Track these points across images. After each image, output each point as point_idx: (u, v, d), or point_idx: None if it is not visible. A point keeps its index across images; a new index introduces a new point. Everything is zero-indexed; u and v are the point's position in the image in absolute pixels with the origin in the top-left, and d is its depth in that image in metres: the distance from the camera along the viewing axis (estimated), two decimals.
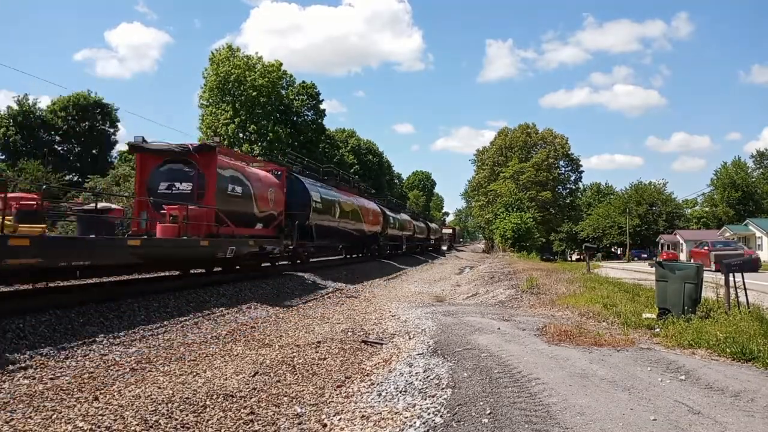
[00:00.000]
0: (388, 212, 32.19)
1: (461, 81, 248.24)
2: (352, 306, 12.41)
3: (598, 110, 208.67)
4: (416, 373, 5.57)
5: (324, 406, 5.01)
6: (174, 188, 12.06)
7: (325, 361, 6.71)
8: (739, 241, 44.09)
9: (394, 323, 9.35)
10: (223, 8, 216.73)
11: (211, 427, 4.42)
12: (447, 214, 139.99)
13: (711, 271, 17.74)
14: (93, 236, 8.98)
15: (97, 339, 7.26)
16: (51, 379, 5.59)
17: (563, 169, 79.19)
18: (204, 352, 7.10)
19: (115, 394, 5.16)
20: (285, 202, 16.23)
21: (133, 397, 5.06)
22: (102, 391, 5.22)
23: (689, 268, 8.29)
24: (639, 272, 25.11)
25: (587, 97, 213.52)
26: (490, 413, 4.10)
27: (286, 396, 5.29)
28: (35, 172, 34.20)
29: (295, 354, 7.05)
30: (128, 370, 6.10)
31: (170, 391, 5.24)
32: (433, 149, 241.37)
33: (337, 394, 5.35)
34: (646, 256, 60.45)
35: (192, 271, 13.53)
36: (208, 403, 4.93)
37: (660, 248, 62.17)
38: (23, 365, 5.90)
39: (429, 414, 4.29)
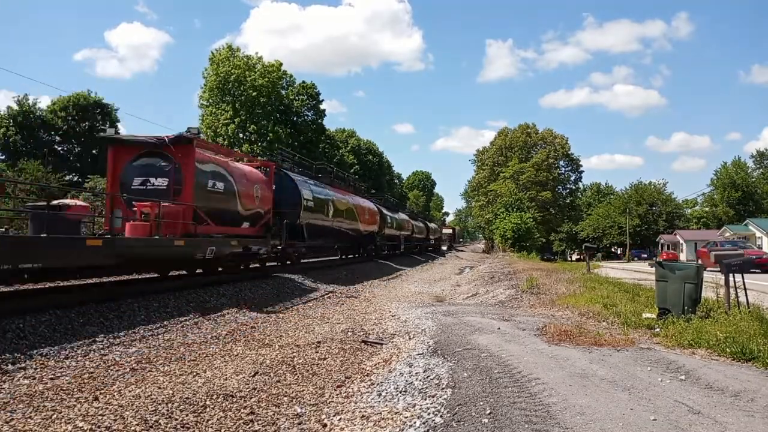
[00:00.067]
0: (385, 211, 31.87)
1: (461, 81, 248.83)
2: (352, 306, 12.41)
3: (598, 110, 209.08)
4: (416, 373, 5.57)
5: (324, 406, 5.01)
6: (149, 184, 11.25)
7: (325, 361, 6.71)
8: (748, 241, 43.89)
9: (394, 323, 9.35)
10: (223, 8, 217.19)
11: (211, 427, 4.42)
12: (447, 214, 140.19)
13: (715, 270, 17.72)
14: (44, 236, 8.05)
15: (97, 339, 7.26)
16: (51, 379, 5.59)
17: (563, 169, 79.33)
18: (204, 352, 7.10)
19: (115, 394, 5.16)
20: (273, 199, 15.49)
21: (133, 397, 5.05)
22: (102, 391, 5.22)
23: (689, 268, 8.29)
24: (639, 272, 25.11)
25: (587, 97, 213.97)
26: (490, 413, 4.10)
27: (286, 396, 5.29)
28: (35, 172, 34.16)
29: (295, 354, 7.05)
30: (128, 370, 6.09)
31: (170, 391, 5.24)
32: (433, 149, 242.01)
33: (337, 394, 5.35)
34: (646, 256, 60.51)
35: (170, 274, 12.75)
36: (208, 403, 4.93)
37: (660, 248, 62.19)
38: (23, 365, 5.90)
39: (429, 414, 4.29)
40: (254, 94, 48.06)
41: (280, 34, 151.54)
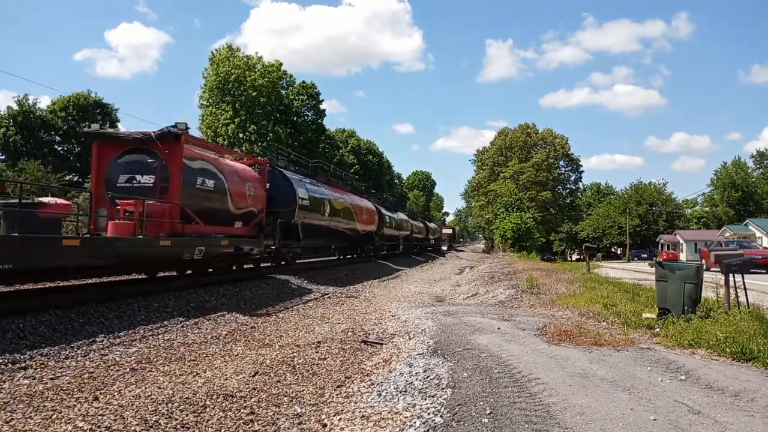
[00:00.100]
0: (383, 211, 31.57)
1: (461, 81, 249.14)
2: (351, 306, 12.41)
3: (598, 110, 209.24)
4: (416, 373, 5.57)
5: (324, 406, 5.01)
6: (135, 181, 10.79)
7: (325, 361, 6.71)
8: (753, 241, 43.76)
9: (394, 323, 9.34)
10: (223, 8, 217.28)
11: (211, 427, 4.42)
12: (447, 214, 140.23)
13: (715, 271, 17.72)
14: (15, 235, 7.74)
15: (97, 339, 7.26)
16: (51, 379, 5.59)
17: (563, 169, 79.34)
18: (204, 352, 7.10)
19: (115, 394, 5.16)
20: (267, 198, 15.04)
21: (133, 397, 5.06)
22: (102, 391, 5.22)
23: (689, 268, 8.29)
24: (639, 272, 25.10)
25: (587, 97, 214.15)
26: (490, 413, 4.10)
27: (286, 396, 5.29)
28: (35, 172, 34.15)
29: (295, 354, 7.05)
30: (128, 370, 6.10)
31: (170, 391, 5.24)
32: (433, 149, 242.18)
33: (337, 394, 5.35)
34: (646, 256, 60.52)
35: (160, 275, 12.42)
36: (208, 403, 4.93)
37: (660, 248, 62.20)
38: (23, 365, 5.90)
39: (429, 414, 4.29)
40: (254, 94, 48.09)
41: (280, 34, 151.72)
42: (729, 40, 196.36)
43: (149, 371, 6.08)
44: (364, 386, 5.51)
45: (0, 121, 47.88)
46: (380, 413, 4.54)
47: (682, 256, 54.35)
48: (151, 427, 4.33)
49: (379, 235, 29.84)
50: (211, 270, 13.28)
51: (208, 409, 4.78)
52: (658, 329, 7.62)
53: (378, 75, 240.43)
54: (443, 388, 4.88)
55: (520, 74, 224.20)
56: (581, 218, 79.29)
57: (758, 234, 49.26)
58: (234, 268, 14.41)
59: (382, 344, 7.63)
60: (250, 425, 4.49)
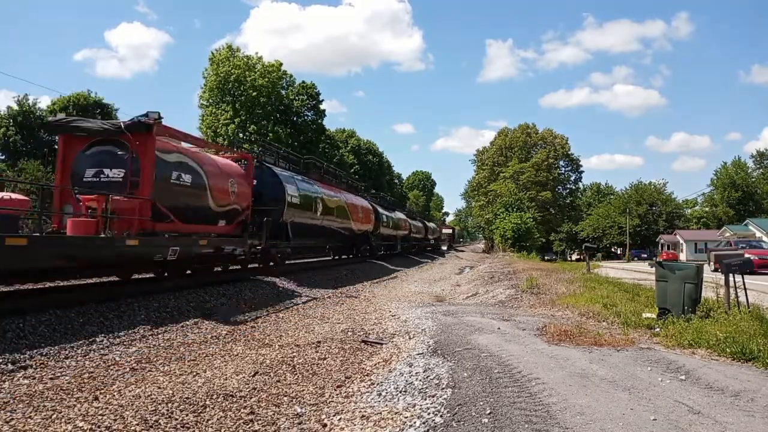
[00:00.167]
0: (380, 210, 30.99)
1: (461, 81, 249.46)
2: (351, 306, 12.40)
3: (598, 110, 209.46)
4: (416, 373, 5.57)
5: (324, 406, 5.01)
6: (102, 176, 9.91)
7: (325, 361, 6.71)
8: (760, 240, 43.55)
9: (394, 323, 9.34)
10: (223, 8, 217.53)
11: (211, 427, 4.42)
12: (447, 214, 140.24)
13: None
14: None
15: (97, 339, 7.26)
16: (51, 378, 5.59)
17: (563, 169, 79.38)
18: (204, 352, 7.11)
19: (115, 393, 5.16)
20: (253, 195, 14.22)
21: (133, 396, 5.06)
22: (102, 391, 5.22)
23: (689, 268, 8.29)
24: (639, 272, 25.10)
25: (587, 97, 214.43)
26: (490, 413, 4.10)
27: (286, 396, 5.29)
28: (35, 172, 34.17)
29: (295, 354, 7.05)
30: (128, 369, 6.10)
31: (170, 391, 5.24)
32: (433, 149, 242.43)
33: (337, 394, 5.35)
34: (646, 256, 60.50)
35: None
36: (208, 402, 4.93)
37: (660, 248, 62.21)
38: (23, 365, 5.90)
39: (429, 414, 4.29)
40: (254, 94, 48.09)
41: (280, 34, 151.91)
42: (729, 40, 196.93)
43: (149, 371, 6.08)
44: (364, 386, 5.51)
45: (0, 121, 47.89)
46: (380, 413, 4.54)
47: (682, 256, 54.40)
48: (151, 426, 4.33)
49: (375, 234, 29.27)
50: (189, 272, 12.51)
51: (208, 409, 4.78)
52: (658, 329, 7.62)
53: (378, 75, 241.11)
54: (443, 388, 4.88)
55: (520, 74, 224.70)
56: (581, 218, 79.28)
57: (758, 234, 49.22)
58: (220, 269, 13.81)
59: (382, 344, 7.63)
60: (250, 425, 4.49)
